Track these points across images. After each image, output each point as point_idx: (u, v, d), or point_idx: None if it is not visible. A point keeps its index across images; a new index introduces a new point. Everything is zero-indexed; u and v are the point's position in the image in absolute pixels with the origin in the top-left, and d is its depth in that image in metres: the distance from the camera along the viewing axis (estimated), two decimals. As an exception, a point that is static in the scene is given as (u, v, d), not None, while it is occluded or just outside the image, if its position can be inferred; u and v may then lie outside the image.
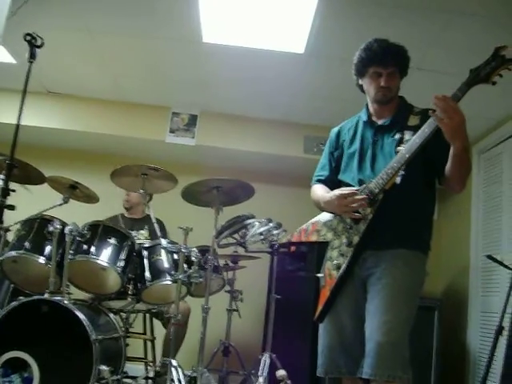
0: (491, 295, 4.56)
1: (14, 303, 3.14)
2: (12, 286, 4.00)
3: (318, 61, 4.10)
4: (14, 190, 2.65)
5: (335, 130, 2.78)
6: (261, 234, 3.74)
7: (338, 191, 2.45)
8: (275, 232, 3.82)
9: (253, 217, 3.73)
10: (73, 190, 3.74)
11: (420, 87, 3.37)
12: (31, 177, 3.64)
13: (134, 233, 4.29)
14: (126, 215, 4.76)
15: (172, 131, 5.37)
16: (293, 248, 4.84)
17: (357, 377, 2.35)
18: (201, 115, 5.43)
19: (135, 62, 4.49)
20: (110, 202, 4.67)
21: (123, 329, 3.62)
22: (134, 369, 4.06)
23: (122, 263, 3.48)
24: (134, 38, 4.05)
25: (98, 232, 3.51)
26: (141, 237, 4.37)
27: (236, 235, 3.71)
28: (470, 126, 2.17)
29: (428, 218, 2.51)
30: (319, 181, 2.75)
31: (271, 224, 3.77)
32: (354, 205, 2.37)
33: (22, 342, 3.06)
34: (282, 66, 4.26)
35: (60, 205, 3.72)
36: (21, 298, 3.22)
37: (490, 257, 3.82)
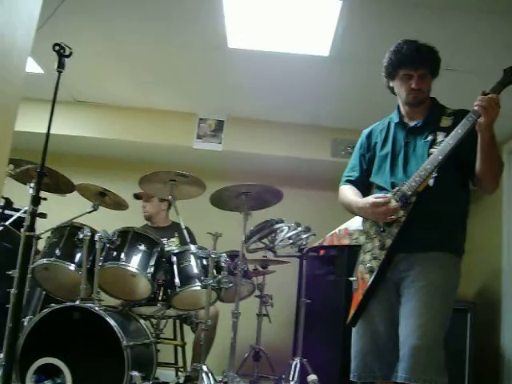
0: (525, 297, 4.49)
1: (46, 310, 3.18)
2: (44, 293, 4.04)
3: (343, 63, 4.08)
4: (45, 199, 2.67)
5: (366, 131, 2.76)
6: (290, 238, 3.73)
7: (371, 199, 2.43)
8: (304, 236, 3.81)
9: (281, 221, 3.72)
10: (102, 197, 3.76)
11: (449, 87, 3.33)
12: (61, 185, 3.66)
13: (164, 241, 4.29)
14: (150, 225, 4.77)
15: (199, 137, 5.39)
16: (322, 252, 4.81)
17: (391, 381, 2.33)
18: (227, 121, 5.44)
19: (161, 69, 4.52)
20: (140, 209, 4.70)
21: (154, 335, 3.63)
22: (165, 374, 4.07)
23: (151, 269, 3.48)
24: (160, 46, 4.08)
25: (128, 239, 3.52)
26: (172, 244, 4.36)
27: (265, 240, 3.71)
28: (501, 125, 2.17)
29: (462, 220, 2.47)
30: (348, 181, 2.73)
31: (300, 228, 3.76)
32: (387, 214, 2.35)
33: (55, 348, 3.08)
34: (308, 70, 4.24)
35: (90, 212, 3.75)
36: (53, 304, 3.24)
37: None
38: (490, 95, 2.15)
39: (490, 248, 5.13)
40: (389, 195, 2.39)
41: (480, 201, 5.09)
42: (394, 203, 2.35)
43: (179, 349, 4.44)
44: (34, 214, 2.54)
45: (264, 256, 4.34)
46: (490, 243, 5.14)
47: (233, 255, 3.64)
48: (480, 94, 2.17)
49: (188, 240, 3.64)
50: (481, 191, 2.45)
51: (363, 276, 2.43)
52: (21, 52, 2.49)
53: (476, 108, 2.17)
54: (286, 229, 3.67)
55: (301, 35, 3.79)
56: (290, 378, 3.87)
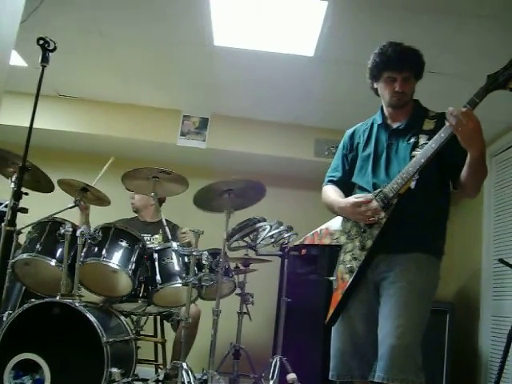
0: (503, 299, 4.53)
1: (26, 305, 3.15)
2: (24, 288, 4.02)
3: (327, 64, 4.08)
4: (26, 193, 2.66)
5: (349, 131, 2.77)
6: (272, 236, 3.75)
7: (352, 199, 2.45)
8: (286, 235, 3.83)
9: (264, 220, 3.72)
10: (84, 193, 3.74)
11: (431, 90, 3.35)
12: (41, 183, 3.62)
13: (147, 237, 4.26)
14: (139, 218, 4.75)
15: (183, 134, 5.38)
16: (303, 251, 4.83)
17: (369, 380, 2.34)
18: (212, 118, 5.44)
19: (147, 65, 4.50)
20: (122, 205, 4.68)
21: (134, 331, 3.62)
22: (145, 371, 4.05)
23: (132, 266, 3.47)
24: (146, 42, 4.06)
25: (110, 235, 3.51)
26: (155, 241, 4.34)
27: (247, 238, 3.71)
28: (483, 129, 2.16)
29: (442, 223, 2.49)
30: (331, 181, 2.74)
31: (282, 227, 3.77)
32: (368, 213, 2.37)
33: (34, 344, 3.06)
34: (293, 69, 4.25)
35: (71, 207, 3.73)
36: (32, 300, 3.22)
37: (501, 261, 3.79)
38: (462, 110, 2.09)
39: (470, 250, 5.17)
40: (370, 195, 2.41)
41: (461, 203, 5.14)
42: (374, 204, 2.37)
43: (159, 346, 4.43)
44: (15, 209, 2.52)
45: (246, 254, 4.35)
46: (470, 245, 5.18)
47: (214, 253, 3.64)
48: (448, 110, 2.12)
49: (170, 237, 3.64)
50: (462, 195, 2.47)
51: (343, 276, 2.45)
52: (4, 45, 2.48)
53: (447, 125, 2.16)
54: (268, 227, 3.68)
55: (286, 35, 3.79)
56: (270, 377, 3.89)
